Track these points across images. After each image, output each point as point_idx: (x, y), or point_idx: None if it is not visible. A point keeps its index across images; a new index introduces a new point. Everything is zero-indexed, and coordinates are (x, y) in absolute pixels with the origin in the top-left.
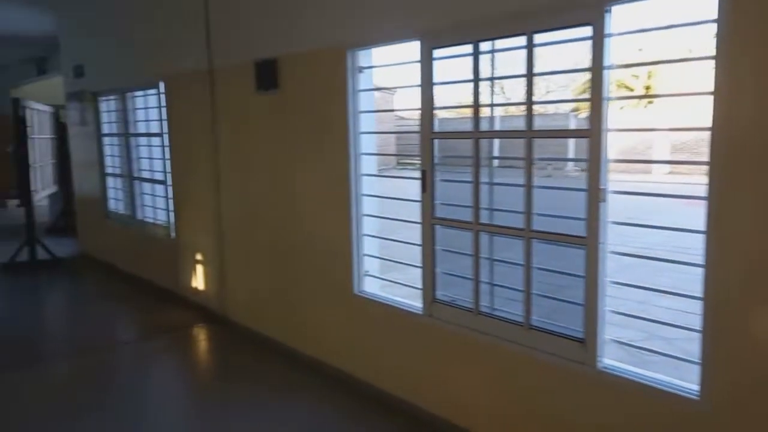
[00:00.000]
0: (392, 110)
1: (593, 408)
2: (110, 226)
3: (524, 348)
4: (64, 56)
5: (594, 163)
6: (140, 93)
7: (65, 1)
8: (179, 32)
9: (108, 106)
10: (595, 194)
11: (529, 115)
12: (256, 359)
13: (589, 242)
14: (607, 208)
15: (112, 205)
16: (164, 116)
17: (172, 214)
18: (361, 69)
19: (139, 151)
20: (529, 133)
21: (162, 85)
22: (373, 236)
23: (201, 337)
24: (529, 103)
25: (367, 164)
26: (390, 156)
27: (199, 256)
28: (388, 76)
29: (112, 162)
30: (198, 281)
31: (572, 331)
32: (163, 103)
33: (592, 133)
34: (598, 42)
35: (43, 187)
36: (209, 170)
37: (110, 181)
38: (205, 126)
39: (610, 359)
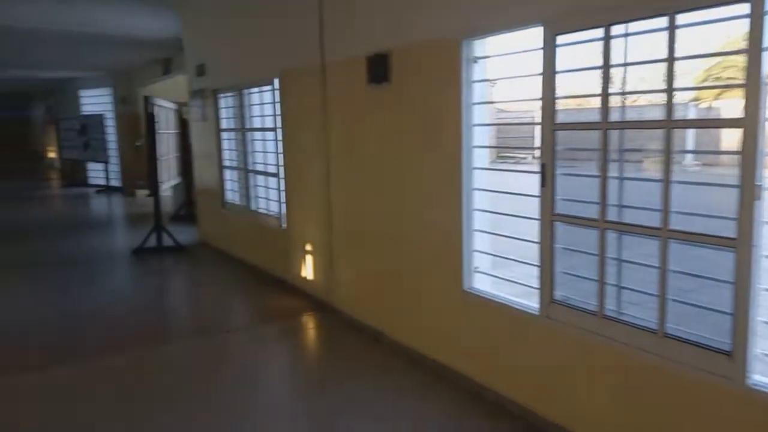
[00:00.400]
0: (506, 101)
1: (739, 430)
2: (226, 216)
3: (657, 358)
4: (188, 57)
5: (748, 156)
6: (256, 90)
7: (190, 5)
8: (294, 30)
9: (226, 103)
10: (749, 191)
11: (669, 105)
12: (361, 350)
13: (740, 244)
14: (762, 207)
15: (229, 196)
16: (278, 111)
17: (283, 206)
18: (475, 59)
19: (254, 145)
20: (670, 123)
21: (276, 82)
22: (485, 232)
23: (309, 325)
24: (670, 90)
25: (479, 157)
26: (491, 149)
27: (308, 247)
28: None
29: (229, 155)
30: (307, 271)
31: (715, 342)
32: (277, 99)
33: (747, 122)
34: (756, 20)
35: (168, 179)
36: (320, 163)
37: (227, 174)
38: (317, 120)
39: (761, 375)
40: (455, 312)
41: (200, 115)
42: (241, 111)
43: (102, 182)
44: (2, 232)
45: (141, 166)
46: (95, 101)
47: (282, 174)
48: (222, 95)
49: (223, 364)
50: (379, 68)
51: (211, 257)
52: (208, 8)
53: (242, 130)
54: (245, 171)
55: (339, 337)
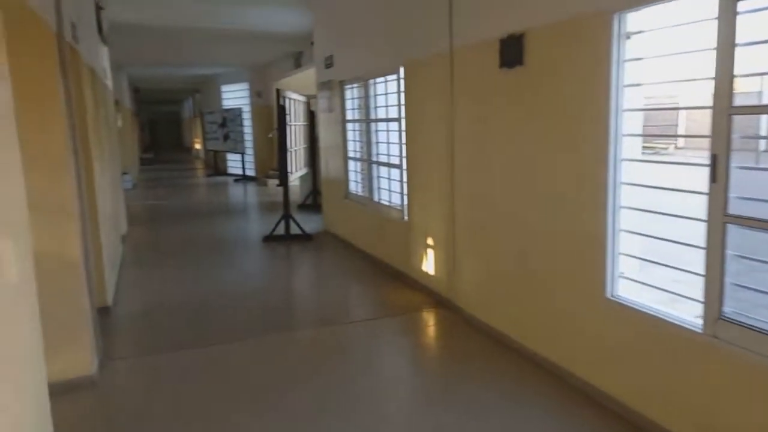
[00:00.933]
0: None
1: None
2: (349, 206)
3: None
4: (317, 49)
5: None
6: (381, 80)
7: (322, 1)
8: (421, 17)
9: (352, 94)
10: None
11: None
12: (485, 353)
13: None
14: None
15: (352, 187)
16: (402, 101)
17: (405, 198)
18: (628, 35)
19: (377, 136)
20: None
21: (402, 71)
22: (634, 233)
23: (429, 321)
24: None
25: (629, 148)
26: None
27: (429, 240)
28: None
29: (353, 146)
30: (428, 265)
31: None
32: (402, 89)
33: None
34: None
35: (297, 169)
36: (444, 154)
37: (351, 165)
38: (442, 109)
39: None
40: (595, 321)
41: (327, 107)
42: (365, 102)
43: (239, 172)
44: (157, 215)
45: (273, 157)
46: (234, 95)
47: (405, 165)
48: (348, 86)
49: (344, 357)
50: (512, 51)
51: (334, 246)
52: (338, 2)
53: (366, 121)
54: (368, 162)
55: (460, 337)
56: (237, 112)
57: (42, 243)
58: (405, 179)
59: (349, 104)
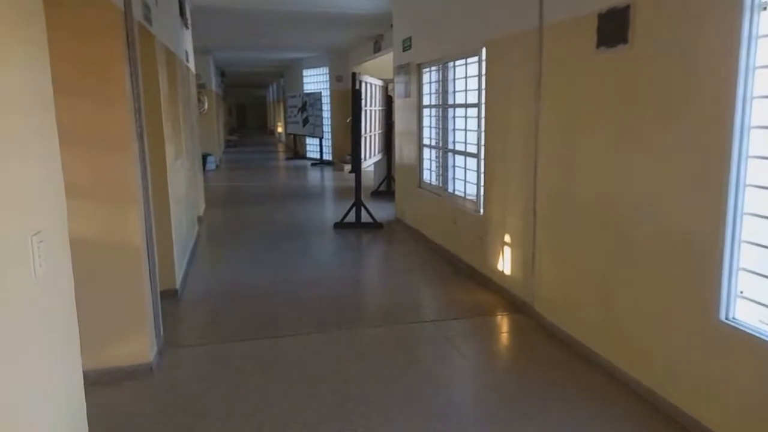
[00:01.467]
0: None
1: None
2: (423, 195)
3: None
4: (396, 31)
5: None
6: (460, 62)
7: None
8: None
9: (429, 78)
10: None
11: None
12: (566, 367)
13: None
14: None
15: (426, 175)
16: (482, 86)
17: (481, 189)
18: (765, 5)
19: (454, 123)
20: None
21: (483, 52)
22: (761, 245)
23: (503, 327)
24: None
25: (759, 143)
26: None
27: (507, 237)
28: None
29: (428, 133)
30: (504, 264)
31: None
32: (483, 72)
33: None
34: None
35: (371, 155)
36: (526, 143)
37: (425, 152)
38: (526, 93)
39: None
40: (702, 346)
41: (403, 91)
42: (443, 86)
43: (317, 156)
44: (235, 197)
45: (349, 142)
46: (315, 80)
47: (482, 155)
48: (426, 69)
49: (410, 363)
50: (614, 27)
51: (405, 237)
52: None
53: (443, 106)
54: (443, 150)
55: (538, 347)
56: (317, 96)
57: (100, 225)
58: (482, 170)
59: (426, 89)
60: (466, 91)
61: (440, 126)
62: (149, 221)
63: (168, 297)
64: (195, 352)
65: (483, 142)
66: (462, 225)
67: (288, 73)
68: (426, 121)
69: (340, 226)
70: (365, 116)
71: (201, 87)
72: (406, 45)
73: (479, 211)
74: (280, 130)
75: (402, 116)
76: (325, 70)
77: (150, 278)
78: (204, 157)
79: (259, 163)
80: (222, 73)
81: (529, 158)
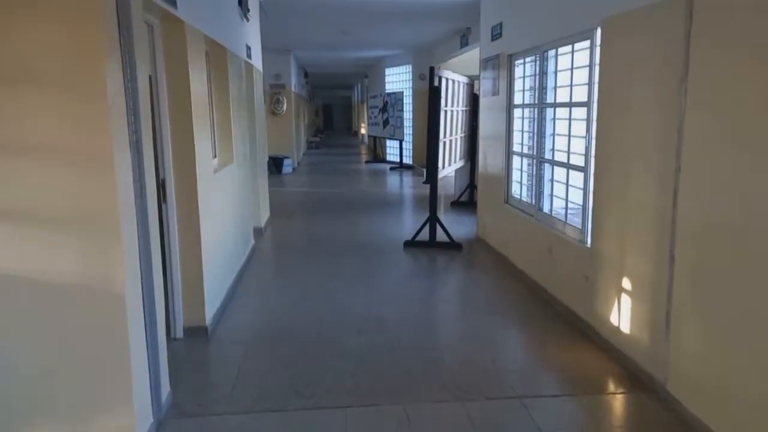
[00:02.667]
0: None
1: None
2: (510, 214)
3: None
4: (484, 18)
5: None
6: (564, 49)
7: None
8: None
9: (523, 71)
10: None
11: None
12: None
13: None
14: None
15: (515, 189)
16: (594, 79)
17: (589, 213)
18: None
19: (553, 126)
20: None
21: (597, 34)
22: None
23: (619, 414)
24: None
25: None
26: None
27: (626, 283)
28: None
29: (519, 138)
30: (621, 319)
31: None
32: (596, 61)
33: None
34: None
35: (451, 162)
36: (662, 156)
37: (515, 161)
38: (664, 88)
39: None
40: None
41: (490, 88)
42: (540, 80)
43: (397, 159)
44: (304, 205)
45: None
46: (397, 78)
47: (592, 168)
48: (518, 61)
49: None
50: None
51: (488, 262)
52: None
53: (540, 105)
54: (538, 159)
55: None
56: (398, 96)
57: (72, 265)
58: (590, 188)
59: (518, 84)
60: (571, 86)
61: (535, 130)
62: (147, 256)
63: (194, 336)
64: (205, 426)
65: (593, 152)
66: (560, 256)
67: (371, 72)
68: (517, 124)
69: (411, 245)
70: (445, 117)
71: (279, 87)
72: (496, 33)
73: (585, 242)
74: (363, 131)
75: (488, 117)
76: (407, 68)
77: (148, 330)
78: (279, 161)
79: (337, 167)
80: (305, 74)
81: (666, 178)
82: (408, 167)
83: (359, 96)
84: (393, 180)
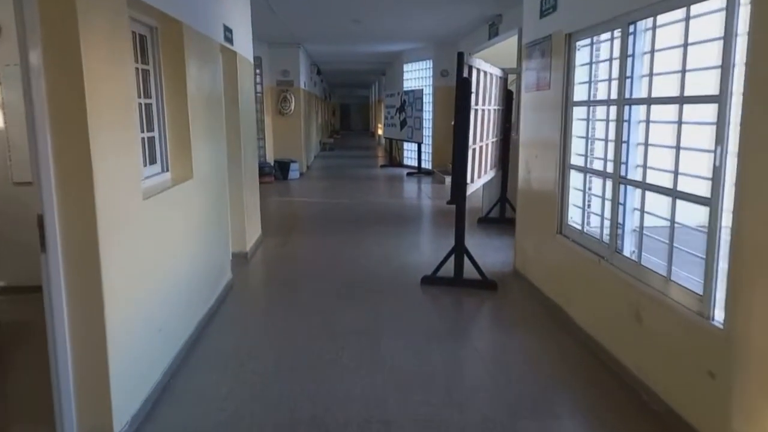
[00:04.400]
0: None
1: None
2: (566, 248)
3: None
4: None
5: None
6: (668, 17)
7: None
8: None
9: (591, 55)
10: None
11: None
12: None
13: None
14: None
15: (573, 215)
16: (735, 58)
17: (720, 273)
18: None
19: (645, 132)
20: None
21: None
22: None
23: None
24: None
25: None
26: None
27: None
28: None
29: (582, 147)
30: None
31: None
32: (739, 28)
33: None
34: None
35: (481, 174)
36: None
37: (573, 178)
38: None
39: None
40: None
41: (536, 81)
42: (623, 66)
43: (414, 164)
44: (305, 219)
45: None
46: (417, 75)
47: (726, 201)
48: (582, 42)
49: None
50: None
51: (534, 312)
52: None
53: (621, 103)
54: (617, 180)
55: None
56: (417, 95)
57: None
58: (723, 234)
59: (579, 75)
60: (683, 71)
61: (617, 136)
62: None
63: None
64: None
65: (734, 175)
66: (658, 328)
67: (389, 69)
68: (577, 128)
69: (431, 281)
70: (476, 118)
71: (287, 84)
72: (547, 7)
73: (710, 317)
74: (380, 132)
75: (532, 118)
76: (428, 63)
77: None
78: (285, 165)
79: (349, 172)
80: (318, 70)
81: None
82: (427, 173)
83: (376, 95)
84: (410, 187)
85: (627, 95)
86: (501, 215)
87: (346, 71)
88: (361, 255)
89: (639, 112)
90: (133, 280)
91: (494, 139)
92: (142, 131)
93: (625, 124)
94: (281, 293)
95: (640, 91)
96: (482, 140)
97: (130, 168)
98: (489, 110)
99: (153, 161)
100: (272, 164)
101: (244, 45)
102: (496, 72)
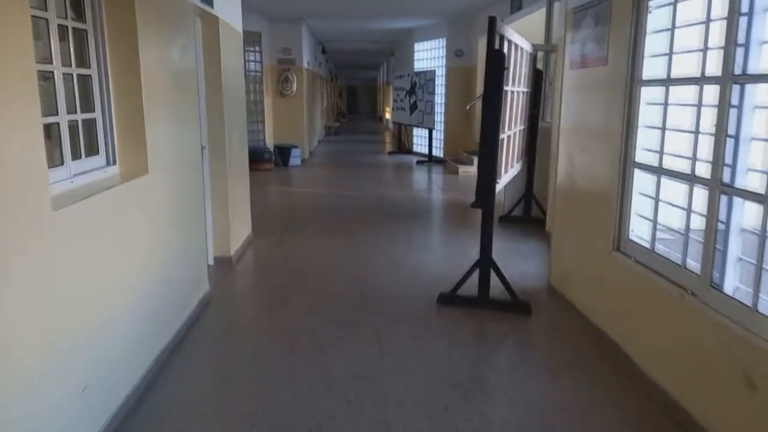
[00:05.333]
0: None
1: None
2: (629, 271)
3: None
4: None
5: None
6: None
7: None
8: None
9: (664, 19)
10: None
11: None
12: None
13: None
14: None
15: (638, 229)
16: None
17: None
18: None
19: (756, 120)
20: None
21: None
22: None
23: None
24: None
25: None
26: None
27: None
28: None
29: (655, 140)
30: None
31: None
32: None
33: None
34: None
35: (508, 168)
36: None
37: (640, 179)
38: None
39: None
40: None
41: (584, 55)
42: (731, 28)
43: (425, 151)
44: (302, 213)
45: (468, 136)
46: (428, 55)
47: None
48: (658, 0)
49: None
50: None
51: (578, 343)
52: None
53: (729, 79)
54: (716, 188)
55: None
56: (429, 76)
57: None
58: None
59: (653, 44)
60: None
61: (703, 127)
62: None
63: None
64: None
65: None
66: None
67: (398, 49)
68: (647, 115)
69: (450, 301)
70: (505, 102)
71: (288, 63)
72: None
73: None
74: (387, 116)
75: (578, 102)
76: (440, 42)
77: None
78: (286, 150)
79: (355, 158)
80: (323, 49)
81: None
82: (438, 161)
83: (384, 77)
84: (420, 177)
85: (737, 70)
86: (525, 214)
87: (352, 51)
88: (365, 260)
89: (755, 93)
90: (35, 324)
91: (522, 127)
92: (74, 111)
93: (733, 111)
94: (267, 313)
95: (758, 64)
96: (510, 128)
97: (24, 168)
98: (519, 92)
99: (93, 151)
100: (272, 150)
101: (229, 10)
102: (527, 47)
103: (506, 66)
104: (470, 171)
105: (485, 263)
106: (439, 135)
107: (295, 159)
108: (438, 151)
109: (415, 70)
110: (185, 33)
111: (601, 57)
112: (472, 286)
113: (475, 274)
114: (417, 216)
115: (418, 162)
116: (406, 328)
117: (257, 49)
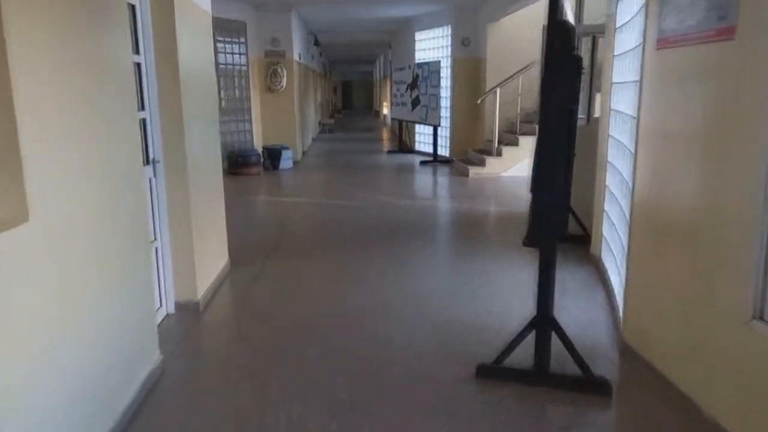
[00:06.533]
0: None
1: None
2: (764, 342)
3: None
4: None
5: None
6: None
7: None
8: None
9: None
10: None
11: None
12: None
13: None
14: None
15: None
16: None
17: None
18: None
19: None
20: None
21: None
22: None
23: None
24: None
25: None
26: None
27: None
28: None
29: None
30: None
31: None
32: None
33: None
34: None
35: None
36: None
37: None
38: None
39: None
40: None
41: (676, 28)
42: None
43: (429, 150)
44: (289, 231)
45: (477, 133)
46: (431, 45)
47: None
48: None
49: None
50: None
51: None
52: None
53: None
54: None
55: None
56: (434, 67)
57: None
58: None
59: None
60: None
61: None
62: None
63: None
64: None
65: None
66: None
67: (397, 40)
68: None
69: (494, 375)
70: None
71: (277, 56)
72: None
73: None
74: (385, 112)
75: (672, 93)
76: (445, 30)
77: None
78: (276, 153)
79: (351, 159)
80: (316, 41)
81: None
82: (445, 161)
83: (381, 71)
84: (425, 181)
85: None
86: (562, 232)
87: (347, 43)
88: (369, 303)
89: None
90: None
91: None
92: None
93: None
94: (234, 400)
95: None
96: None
97: None
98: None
99: None
100: (260, 152)
101: None
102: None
103: (574, 46)
104: (483, 173)
105: (544, 324)
106: (444, 132)
107: (286, 161)
108: (444, 150)
109: (417, 61)
110: (108, 11)
111: (724, 28)
112: (519, 353)
113: (530, 337)
114: (429, 234)
115: (422, 162)
116: (433, 418)
117: (242, 40)
